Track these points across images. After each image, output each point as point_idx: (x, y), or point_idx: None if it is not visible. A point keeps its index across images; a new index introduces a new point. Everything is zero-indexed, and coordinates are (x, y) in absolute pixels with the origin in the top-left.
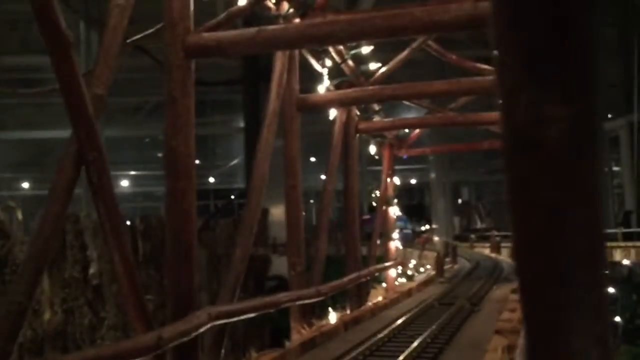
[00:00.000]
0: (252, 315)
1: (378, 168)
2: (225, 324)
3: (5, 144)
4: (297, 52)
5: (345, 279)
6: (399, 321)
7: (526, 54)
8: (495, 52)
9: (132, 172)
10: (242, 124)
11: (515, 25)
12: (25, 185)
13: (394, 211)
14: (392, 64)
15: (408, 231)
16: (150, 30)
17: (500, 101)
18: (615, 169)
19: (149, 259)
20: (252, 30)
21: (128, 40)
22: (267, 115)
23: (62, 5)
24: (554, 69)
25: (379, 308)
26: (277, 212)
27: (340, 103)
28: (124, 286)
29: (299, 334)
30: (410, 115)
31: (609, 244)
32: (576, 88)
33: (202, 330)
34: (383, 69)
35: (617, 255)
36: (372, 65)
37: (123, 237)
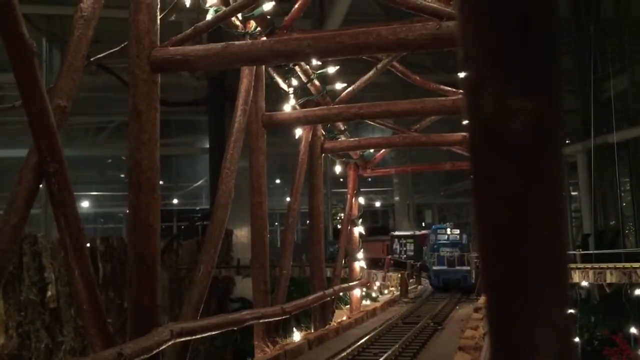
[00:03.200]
0: (215, 332)
1: (343, 190)
2: (188, 343)
3: None
4: (263, 70)
5: (310, 298)
6: (363, 340)
7: (490, 48)
8: (461, 47)
9: (94, 193)
10: (206, 145)
11: (479, 20)
12: None
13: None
14: (357, 84)
15: (466, 269)
16: (115, 49)
17: (466, 95)
18: (574, 193)
19: (109, 281)
20: (219, 45)
21: (92, 59)
22: (233, 132)
23: (24, 22)
24: (517, 63)
25: (343, 327)
26: (242, 234)
27: (306, 121)
28: (84, 302)
29: (263, 352)
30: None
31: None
32: (538, 82)
33: (164, 347)
34: (349, 89)
35: (576, 277)
36: (338, 86)
37: (84, 251)
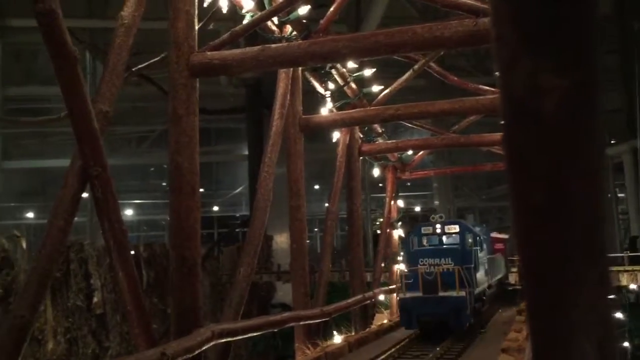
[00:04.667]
0: (255, 334)
1: (382, 195)
2: (229, 344)
3: (10, 174)
4: (300, 73)
5: (350, 300)
6: (404, 342)
7: (521, 25)
8: (493, 25)
9: (137, 201)
10: (245, 152)
11: None
12: (30, 214)
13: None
14: (394, 85)
15: (458, 296)
16: (156, 59)
17: (499, 74)
18: (620, 195)
19: (152, 287)
20: (256, 48)
21: (133, 69)
22: (271, 135)
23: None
24: (549, 40)
25: (384, 330)
26: (282, 240)
27: (343, 123)
28: (128, 302)
29: (304, 354)
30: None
31: (615, 268)
32: (572, 59)
33: (206, 347)
34: (386, 91)
35: (624, 280)
36: (375, 88)
37: (127, 252)
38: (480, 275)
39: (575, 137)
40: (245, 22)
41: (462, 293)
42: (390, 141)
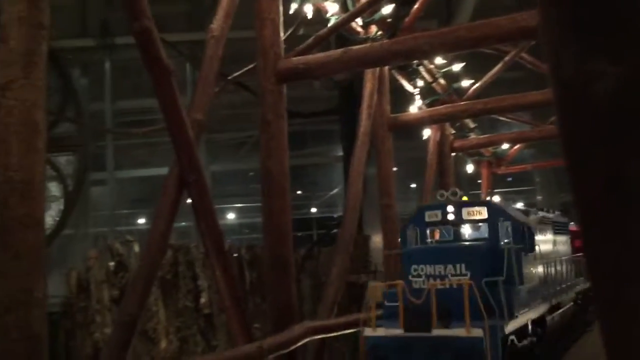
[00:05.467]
0: (349, 331)
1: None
2: (324, 341)
3: (122, 182)
4: (386, 73)
5: None
6: None
7: (570, 8)
8: (539, 6)
9: (238, 205)
10: (340, 153)
11: None
12: (142, 220)
13: None
14: (485, 79)
15: (470, 337)
16: (249, 67)
17: (546, 54)
18: None
19: (255, 288)
20: (339, 51)
21: (229, 77)
22: (359, 136)
23: (169, 49)
24: (598, 24)
25: None
26: (379, 240)
27: (431, 120)
28: (227, 302)
29: None
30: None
31: None
32: (622, 45)
33: (301, 343)
34: (476, 85)
35: None
36: (465, 83)
37: (224, 253)
38: (526, 292)
39: (630, 122)
40: (329, 25)
41: (478, 331)
42: (482, 136)
